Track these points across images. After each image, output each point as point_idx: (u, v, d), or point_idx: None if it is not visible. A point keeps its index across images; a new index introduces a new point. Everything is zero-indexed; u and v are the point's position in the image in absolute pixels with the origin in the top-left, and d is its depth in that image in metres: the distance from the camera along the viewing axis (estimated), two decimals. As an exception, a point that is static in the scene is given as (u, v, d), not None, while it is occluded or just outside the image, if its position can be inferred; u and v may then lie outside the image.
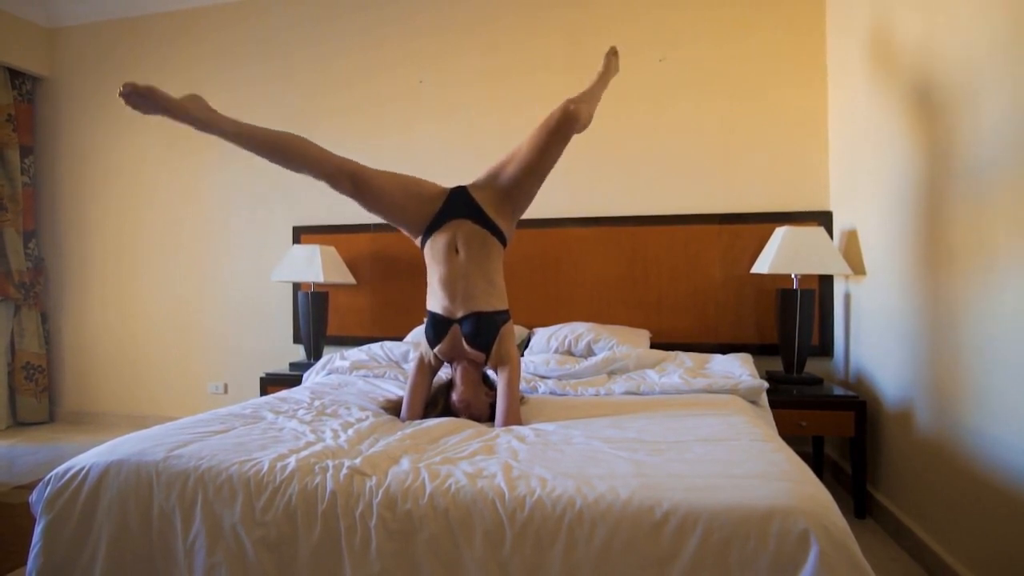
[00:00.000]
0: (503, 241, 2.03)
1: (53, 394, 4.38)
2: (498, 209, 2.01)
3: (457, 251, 1.96)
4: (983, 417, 1.79)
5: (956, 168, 1.93)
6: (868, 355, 2.69)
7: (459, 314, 1.96)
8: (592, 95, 2.16)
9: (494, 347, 1.97)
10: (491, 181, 2.03)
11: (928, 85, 2.11)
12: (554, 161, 1.99)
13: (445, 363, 2.10)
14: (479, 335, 1.95)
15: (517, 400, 1.96)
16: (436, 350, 2.01)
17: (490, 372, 2.08)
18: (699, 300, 3.24)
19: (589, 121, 2.07)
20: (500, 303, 2.01)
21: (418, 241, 2.06)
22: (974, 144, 1.83)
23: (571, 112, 1.91)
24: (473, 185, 2.06)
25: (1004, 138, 1.68)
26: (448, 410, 2.02)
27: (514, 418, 1.89)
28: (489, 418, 2.00)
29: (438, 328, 1.99)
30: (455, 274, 1.96)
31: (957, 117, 1.92)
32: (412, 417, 1.99)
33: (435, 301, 2.01)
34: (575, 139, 3.48)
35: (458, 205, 2.00)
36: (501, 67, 3.57)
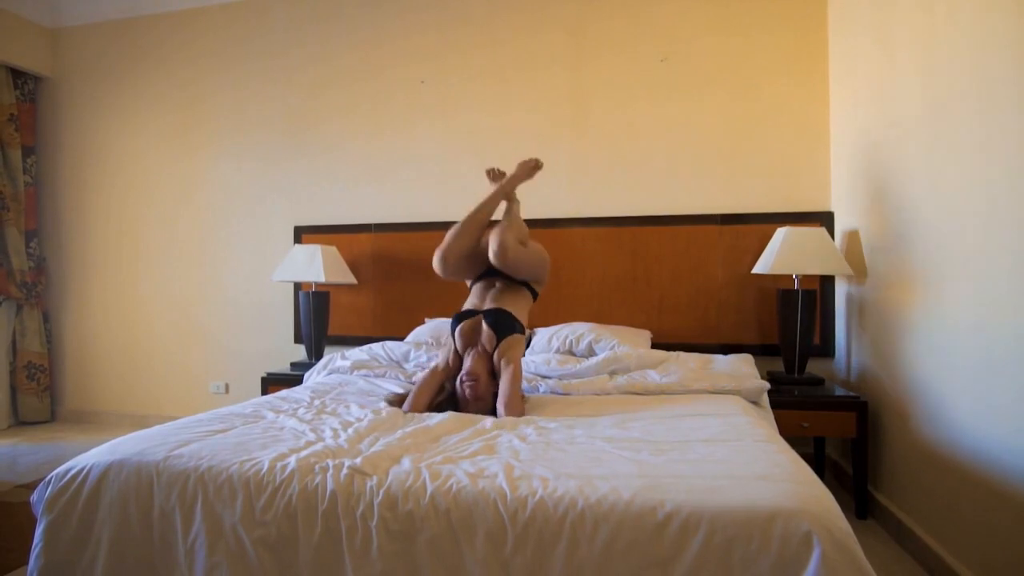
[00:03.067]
0: (533, 294, 2.40)
1: (55, 393, 4.38)
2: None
3: (495, 285, 2.35)
4: (984, 418, 1.78)
5: (958, 168, 1.93)
6: (870, 355, 2.68)
7: (485, 307, 2.27)
8: (508, 222, 2.41)
9: (505, 340, 2.17)
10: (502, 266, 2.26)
11: (932, 82, 2.11)
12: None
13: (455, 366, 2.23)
14: (497, 322, 2.19)
15: (519, 389, 2.09)
16: (457, 330, 2.21)
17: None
18: (700, 300, 3.23)
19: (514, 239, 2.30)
20: (521, 317, 2.29)
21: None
22: (980, 143, 1.83)
23: (500, 248, 2.18)
24: None
25: (1009, 138, 1.68)
26: (453, 397, 2.14)
27: (515, 404, 2.01)
28: (492, 409, 2.07)
29: (464, 315, 2.25)
30: (489, 295, 2.32)
31: (961, 117, 1.92)
32: (415, 409, 2.07)
33: (468, 304, 2.34)
34: (577, 140, 3.55)
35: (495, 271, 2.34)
36: (502, 65, 3.57)
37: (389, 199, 3.70)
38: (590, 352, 2.88)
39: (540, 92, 3.49)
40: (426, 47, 3.69)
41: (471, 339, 2.20)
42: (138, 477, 1.49)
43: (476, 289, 2.38)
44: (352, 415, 1.97)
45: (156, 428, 1.78)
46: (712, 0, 3.28)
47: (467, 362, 2.15)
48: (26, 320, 4.19)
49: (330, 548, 1.32)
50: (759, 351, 3.14)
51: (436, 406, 2.12)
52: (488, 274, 2.39)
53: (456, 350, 2.22)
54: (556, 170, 3.45)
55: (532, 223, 3.39)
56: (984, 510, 1.77)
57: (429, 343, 3.07)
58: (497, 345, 2.17)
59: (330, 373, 2.85)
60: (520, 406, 2.03)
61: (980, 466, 1.79)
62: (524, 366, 2.64)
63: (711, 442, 1.61)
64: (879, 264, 2.58)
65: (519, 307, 2.31)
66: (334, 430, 1.76)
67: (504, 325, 2.19)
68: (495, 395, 2.09)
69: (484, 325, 2.19)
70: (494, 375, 2.16)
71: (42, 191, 4.37)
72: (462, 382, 2.11)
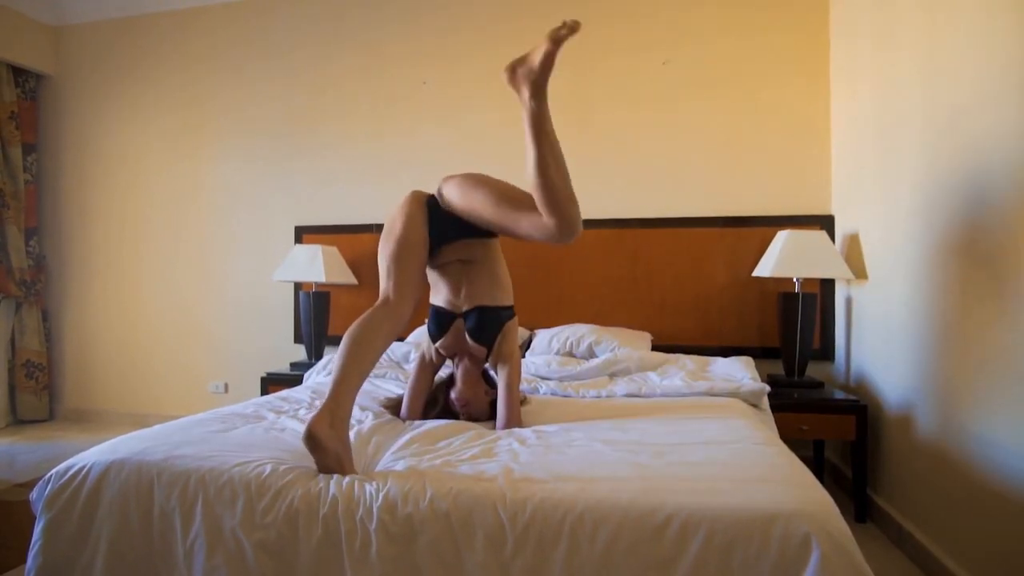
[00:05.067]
0: (494, 234, 1.94)
1: (53, 392, 4.38)
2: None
3: (460, 262, 1.94)
4: (984, 421, 1.78)
5: (962, 172, 1.93)
6: (869, 359, 2.69)
7: (463, 308, 1.94)
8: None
9: (496, 343, 1.94)
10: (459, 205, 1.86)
11: (933, 86, 2.11)
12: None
13: (446, 362, 2.09)
14: (482, 330, 1.92)
15: (517, 402, 1.93)
16: (438, 344, 1.98)
17: (491, 370, 2.06)
18: (701, 303, 3.23)
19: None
20: (505, 298, 1.98)
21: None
22: (982, 147, 1.83)
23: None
24: (443, 198, 1.92)
25: (1014, 141, 1.68)
26: (448, 409, 2.01)
27: (515, 421, 1.88)
28: (489, 416, 1.98)
29: (441, 322, 1.96)
30: (460, 276, 1.95)
31: (964, 119, 1.92)
32: (412, 416, 1.98)
33: (439, 296, 1.99)
34: (579, 141, 3.52)
35: (442, 227, 1.88)
36: (505, 66, 3.56)
37: (391, 199, 3.69)
38: (590, 354, 2.88)
39: (541, 94, 3.49)
40: (428, 48, 3.70)
41: (456, 348, 1.97)
42: (138, 476, 1.48)
43: (444, 273, 1.96)
44: (353, 417, 1.96)
45: (157, 427, 1.78)
46: (714, 3, 3.29)
47: (457, 382, 1.98)
48: (25, 318, 4.19)
49: (329, 552, 1.32)
50: (759, 354, 3.14)
51: (432, 419, 1.92)
52: (440, 247, 1.90)
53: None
54: (557, 172, 3.45)
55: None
56: (984, 513, 1.77)
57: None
58: (489, 352, 1.95)
59: (330, 373, 2.84)
60: (519, 422, 1.88)
61: (980, 469, 1.79)
62: (524, 367, 2.63)
63: (711, 444, 1.61)
64: (879, 268, 2.58)
65: (497, 273, 1.95)
66: (334, 431, 1.75)
67: (490, 328, 1.92)
68: (492, 403, 1.98)
69: (469, 340, 1.94)
70: (487, 376, 2.04)
71: (42, 189, 4.37)
72: (454, 404, 1.97)
